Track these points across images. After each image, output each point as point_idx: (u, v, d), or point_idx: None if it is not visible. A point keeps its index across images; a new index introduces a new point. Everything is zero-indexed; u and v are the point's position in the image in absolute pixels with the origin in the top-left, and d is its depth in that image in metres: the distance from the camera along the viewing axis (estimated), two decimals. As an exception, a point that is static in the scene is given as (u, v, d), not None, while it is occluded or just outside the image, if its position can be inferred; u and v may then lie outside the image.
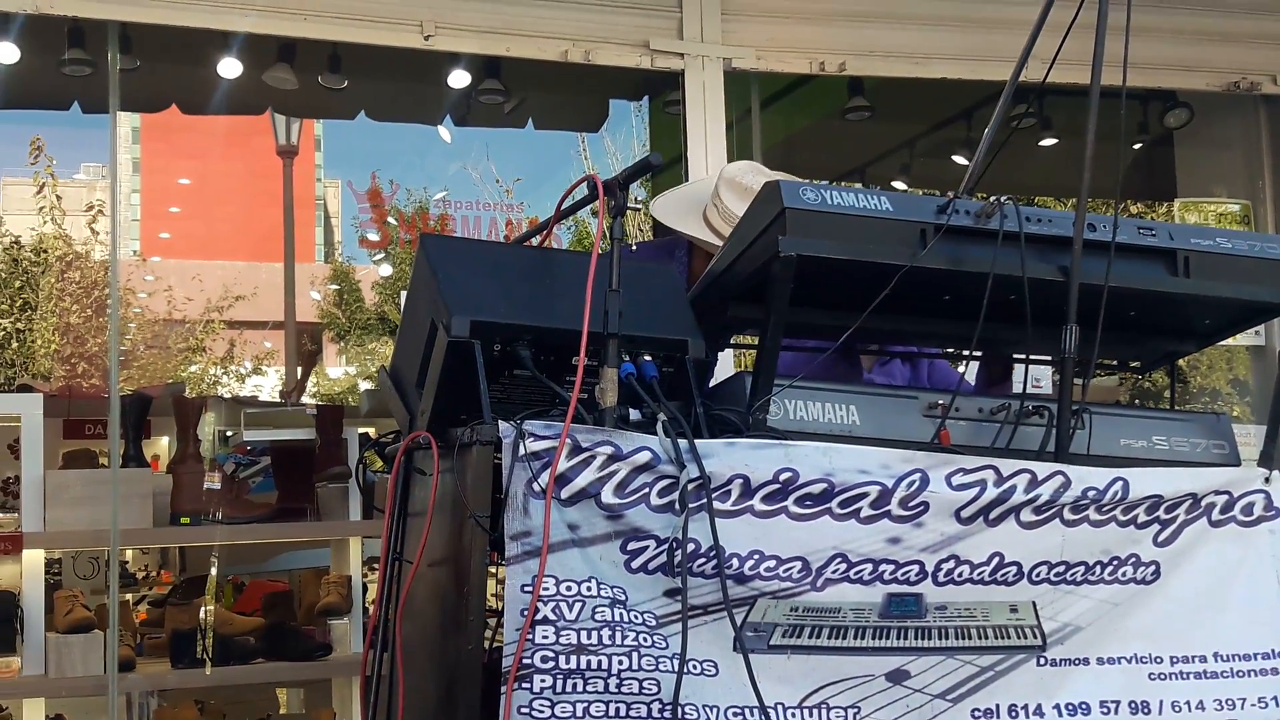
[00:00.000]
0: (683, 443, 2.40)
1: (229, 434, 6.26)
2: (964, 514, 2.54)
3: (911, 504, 2.50)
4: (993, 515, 2.56)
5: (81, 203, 19.28)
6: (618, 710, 2.35)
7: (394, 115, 7.03)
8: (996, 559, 2.58)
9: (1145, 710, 2.70)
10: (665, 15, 5.13)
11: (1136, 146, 7.09)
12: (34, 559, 4.73)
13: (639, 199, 6.26)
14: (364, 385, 19.76)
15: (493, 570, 2.51)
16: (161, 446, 6.39)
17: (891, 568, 2.52)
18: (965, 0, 5.40)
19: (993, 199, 2.63)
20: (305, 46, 5.68)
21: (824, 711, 2.52)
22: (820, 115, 6.88)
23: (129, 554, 6.60)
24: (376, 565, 5.92)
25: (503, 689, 2.31)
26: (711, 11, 5.14)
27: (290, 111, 8.19)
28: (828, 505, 2.46)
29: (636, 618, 2.39)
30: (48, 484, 4.75)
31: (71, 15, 4.83)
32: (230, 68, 5.85)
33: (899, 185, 7.99)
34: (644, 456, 2.40)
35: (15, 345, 16.45)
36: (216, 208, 30.63)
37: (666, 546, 2.39)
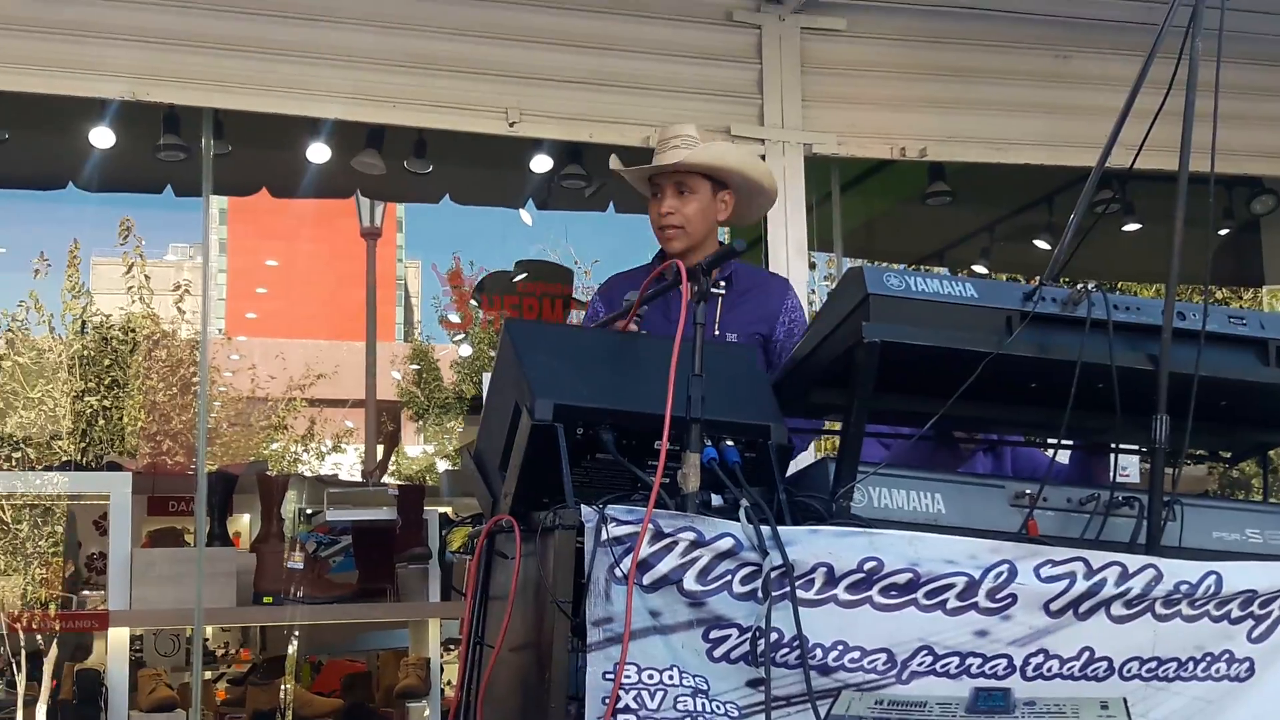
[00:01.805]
0: (765, 529, 2.39)
1: (311, 513, 6.31)
2: (1053, 607, 2.49)
3: (999, 596, 2.46)
4: (1083, 608, 2.51)
5: (169, 282, 19.70)
6: (699, 801, 2.32)
7: (478, 199, 7.12)
8: (1087, 653, 2.53)
9: (1240, 811, 2.62)
10: (746, 101, 5.17)
11: (1223, 233, 7.01)
12: (119, 637, 4.78)
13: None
14: (441, 464, 19.88)
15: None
16: (243, 524, 6.46)
17: (979, 661, 2.47)
18: (1048, 87, 5.40)
19: (1079, 286, 2.61)
20: (392, 132, 5.79)
21: (909, 807, 2.47)
22: (901, 199, 6.89)
23: (209, 630, 6.66)
24: (455, 647, 5.93)
25: (584, 777, 2.29)
26: (792, 98, 5.18)
27: (376, 195, 8.33)
28: (913, 596, 2.43)
29: (719, 708, 2.36)
30: (134, 562, 4.80)
31: (168, 103, 4.96)
32: (319, 153, 5.98)
33: (980, 269, 7.95)
34: (726, 543, 2.38)
35: (102, 423, 16.75)
36: (300, 287, 31.17)
37: (749, 635, 2.36)
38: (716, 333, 3.53)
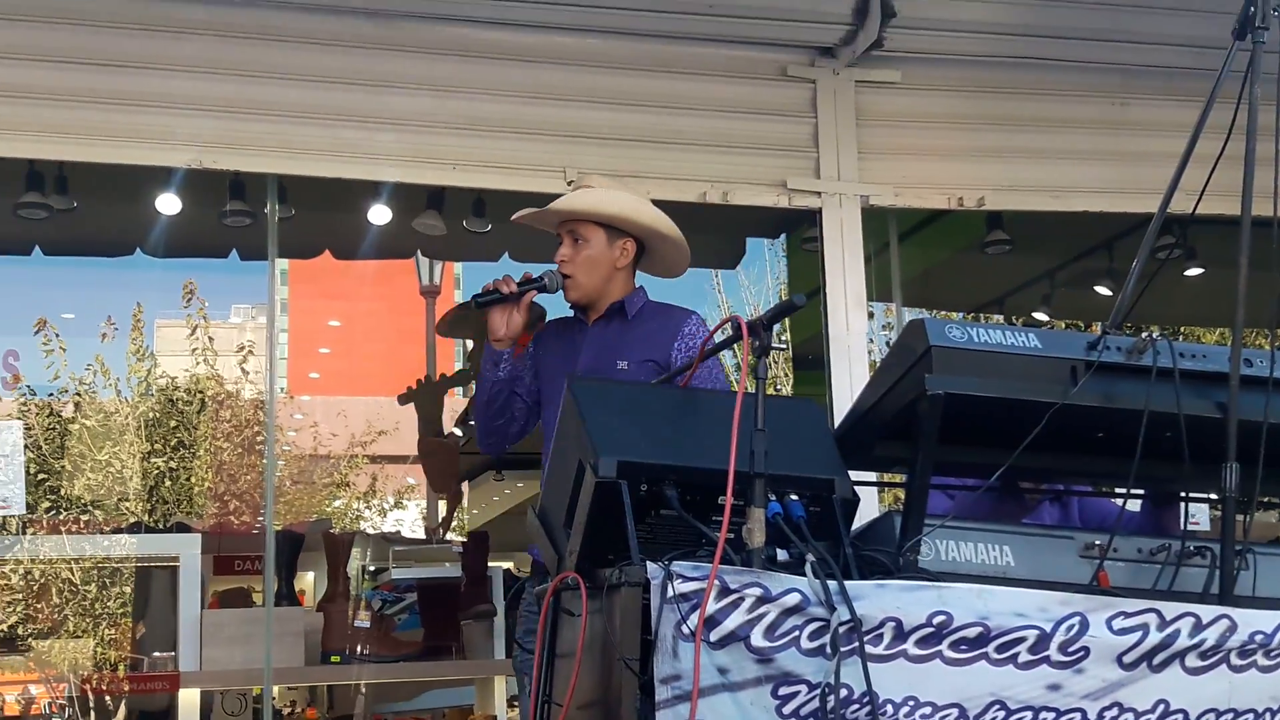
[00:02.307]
0: (832, 584, 2.38)
1: (375, 570, 6.35)
2: (1126, 659, 2.46)
3: (1071, 649, 2.43)
4: (1156, 660, 2.48)
5: (232, 344, 19.91)
6: None
7: (536, 257, 7.16)
8: (1162, 706, 2.50)
9: None
10: (802, 155, 5.19)
11: (1288, 275, 6.92)
12: (190, 699, 4.82)
13: (783, 340, 6.27)
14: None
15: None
16: (307, 582, 6.51)
17: (1052, 716, 2.44)
18: (1106, 134, 5.38)
19: (1144, 334, 2.60)
20: (452, 193, 5.86)
21: None
22: (959, 248, 6.88)
23: (275, 689, 6.69)
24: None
25: (654, 837, 2.28)
26: (848, 151, 5.19)
27: (436, 255, 8.42)
28: (984, 650, 2.41)
29: (789, 765, 2.35)
30: (204, 623, 4.85)
31: (233, 169, 5.06)
32: (380, 215, 6.06)
33: (1040, 317, 7.90)
34: (793, 598, 2.37)
35: (169, 483, 16.92)
36: (361, 346, 31.44)
37: (819, 692, 2.35)
38: (621, 365, 3.62)
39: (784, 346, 7.51)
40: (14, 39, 4.59)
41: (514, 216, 3.88)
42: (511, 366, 3.71)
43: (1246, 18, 2.78)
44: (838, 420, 3.42)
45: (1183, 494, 2.88)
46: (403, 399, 7.70)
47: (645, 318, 3.74)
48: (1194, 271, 6.99)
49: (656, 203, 5.42)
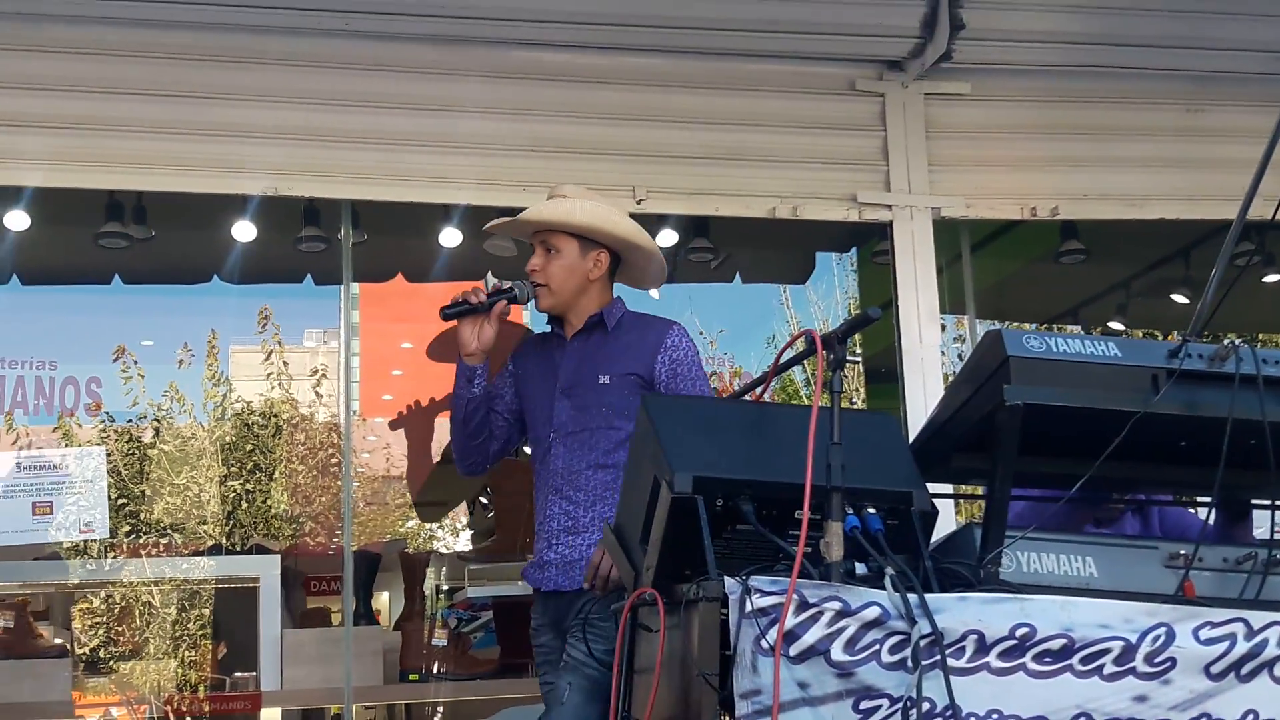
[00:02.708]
0: (913, 597, 2.36)
1: (451, 589, 6.38)
2: (1214, 670, 2.42)
3: (1158, 660, 2.40)
4: (1245, 670, 2.44)
5: (306, 367, 20.10)
6: None
7: (606, 275, 7.19)
8: (1251, 716, 2.45)
9: None
10: (872, 169, 5.18)
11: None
12: (271, 718, 4.87)
13: (856, 353, 6.20)
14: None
15: None
16: (383, 601, 6.56)
17: (1139, 727, 2.41)
18: (1180, 141, 5.32)
19: (1226, 342, 2.56)
20: (522, 213, 5.89)
21: None
22: (1033, 258, 6.81)
23: (354, 708, 6.75)
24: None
25: None
26: (918, 163, 5.18)
27: (506, 276, 8.48)
28: (1068, 662, 2.38)
29: (872, 779, 2.33)
30: (284, 643, 4.90)
31: (307, 196, 5.13)
32: (451, 237, 6.10)
33: (1116, 326, 7.80)
34: (873, 612, 2.36)
35: (246, 506, 17.12)
36: (433, 366, 31.71)
37: (901, 706, 2.33)
38: (603, 379, 3.57)
39: (858, 359, 7.48)
40: (93, 72, 4.70)
41: (487, 226, 3.84)
42: (485, 382, 3.67)
43: (1324, 20, 2.74)
44: (913, 433, 3.41)
45: (1270, 502, 2.83)
46: (394, 424, 7.70)
47: (625, 329, 3.68)
48: (1273, 277, 6.87)
49: (726, 220, 5.49)
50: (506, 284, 3.65)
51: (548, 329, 3.79)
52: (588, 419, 3.55)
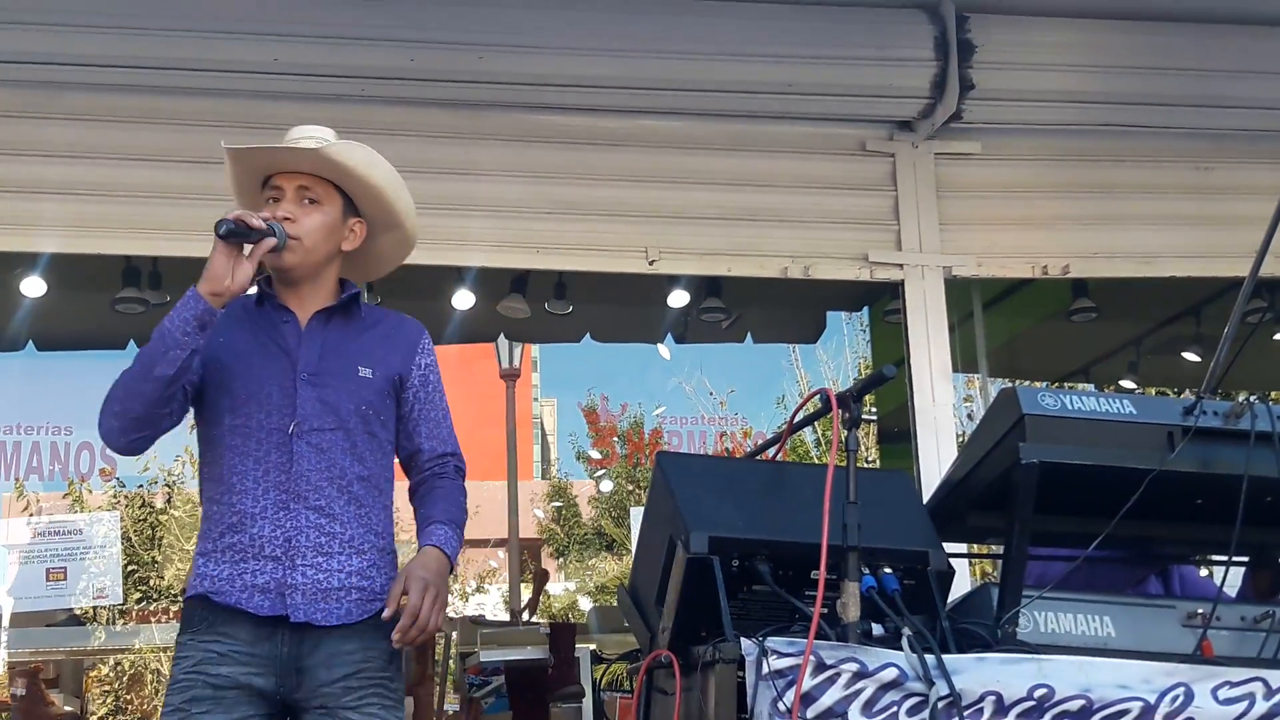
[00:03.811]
0: (930, 658, 2.35)
1: (462, 653, 6.35)
2: (1235, 730, 2.40)
3: (1178, 720, 2.38)
4: (1265, 730, 2.41)
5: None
6: None
7: (617, 336, 7.23)
8: (1272, 777, 2.43)
9: None
10: (883, 228, 5.20)
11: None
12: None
13: (872, 411, 6.18)
14: (584, 601, 19.84)
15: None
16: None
17: (1160, 788, 2.38)
18: (1191, 199, 5.33)
19: (1241, 399, 2.57)
20: (535, 276, 5.93)
21: None
22: (1044, 316, 6.83)
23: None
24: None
25: None
26: (929, 222, 5.19)
27: (518, 337, 8.51)
28: (1088, 722, 2.36)
29: (892, 842, 2.31)
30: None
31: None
32: (464, 299, 6.14)
33: (1127, 384, 7.81)
34: (891, 673, 2.35)
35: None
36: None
37: (920, 767, 2.32)
38: (364, 372, 2.94)
39: (874, 418, 7.47)
40: (109, 139, 4.75)
41: (234, 148, 2.99)
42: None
43: (1332, 80, 2.76)
44: (926, 493, 3.39)
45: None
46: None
47: (375, 320, 3.08)
48: (1284, 335, 6.88)
49: (737, 280, 5.51)
50: (266, 221, 2.85)
51: (252, 294, 2.98)
52: (343, 416, 2.90)
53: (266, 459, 2.88)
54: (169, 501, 16.91)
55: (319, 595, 2.84)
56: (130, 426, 2.87)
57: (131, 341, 6.52)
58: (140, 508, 15.84)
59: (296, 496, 2.86)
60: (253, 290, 2.96)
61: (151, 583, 15.69)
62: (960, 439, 5.37)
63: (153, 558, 15.83)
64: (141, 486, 16.18)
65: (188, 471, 17.96)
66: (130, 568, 14.61)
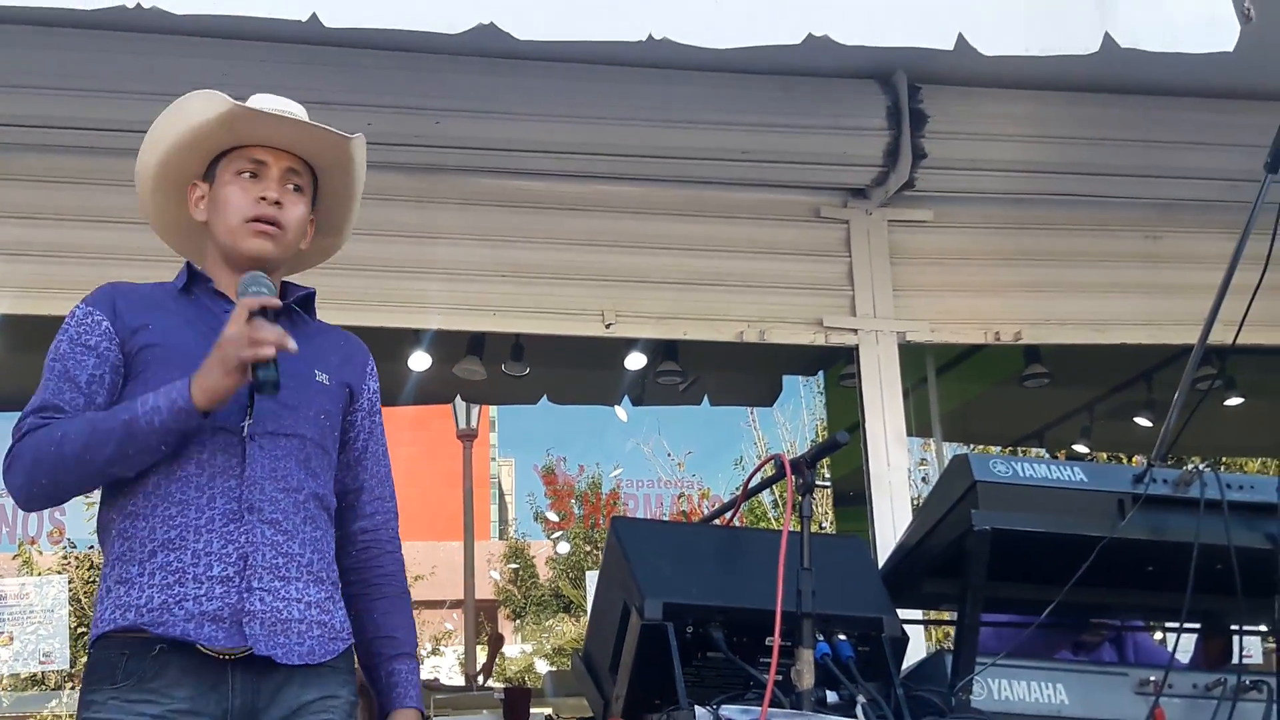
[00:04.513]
0: (885, 725, 2.35)
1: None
2: (1187, 798, 2.41)
3: (1130, 788, 2.39)
4: (1218, 799, 2.42)
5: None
6: None
7: (574, 398, 7.25)
8: (1226, 846, 2.44)
9: None
10: (838, 294, 5.23)
11: (1328, 404, 6.90)
12: None
13: (826, 476, 6.19)
14: (541, 664, 19.70)
15: None
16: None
17: None
18: (1141, 267, 5.40)
19: (1190, 466, 2.60)
20: (492, 338, 5.93)
21: None
22: (997, 381, 6.89)
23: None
24: None
25: None
26: (883, 288, 5.24)
27: (475, 399, 8.51)
28: (1041, 790, 2.37)
29: None
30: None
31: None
32: (421, 361, 6.13)
33: (1080, 449, 7.88)
34: (845, 741, 2.35)
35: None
36: (398, 490, 31.47)
37: (874, 836, 2.31)
38: (321, 378, 2.63)
39: (828, 484, 7.50)
40: (61, 200, 4.70)
41: (243, 104, 2.66)
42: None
43: (1278, 151, 2.82)
44: (882, 557, 3.40)
45: (1235, 628, 2.84)
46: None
47: (321, 329, 2.80)
48: (1234, 401, 6.96)
49: (694, 343, 5.53)
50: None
51: (173, 284, 2.66)
52: (298, 422, 2.54)
53: (212, 463, 2.45)
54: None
55: (278, 626, 2.40)
56: (48, 496, 2.48)
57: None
58: (90, 569, 15.65)
59: (251, 507, 2.44)
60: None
61: (99, 646, 15.45)
62: (915, 502, 5.40)
63: (100, 621, 15.62)
64: (92, 548, 16.02)
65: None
66: (80, 630, 14.42)
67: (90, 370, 2.55)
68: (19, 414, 2.52)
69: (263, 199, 2.60)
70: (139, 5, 3.22)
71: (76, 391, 2.52)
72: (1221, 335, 2.92)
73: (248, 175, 2.63)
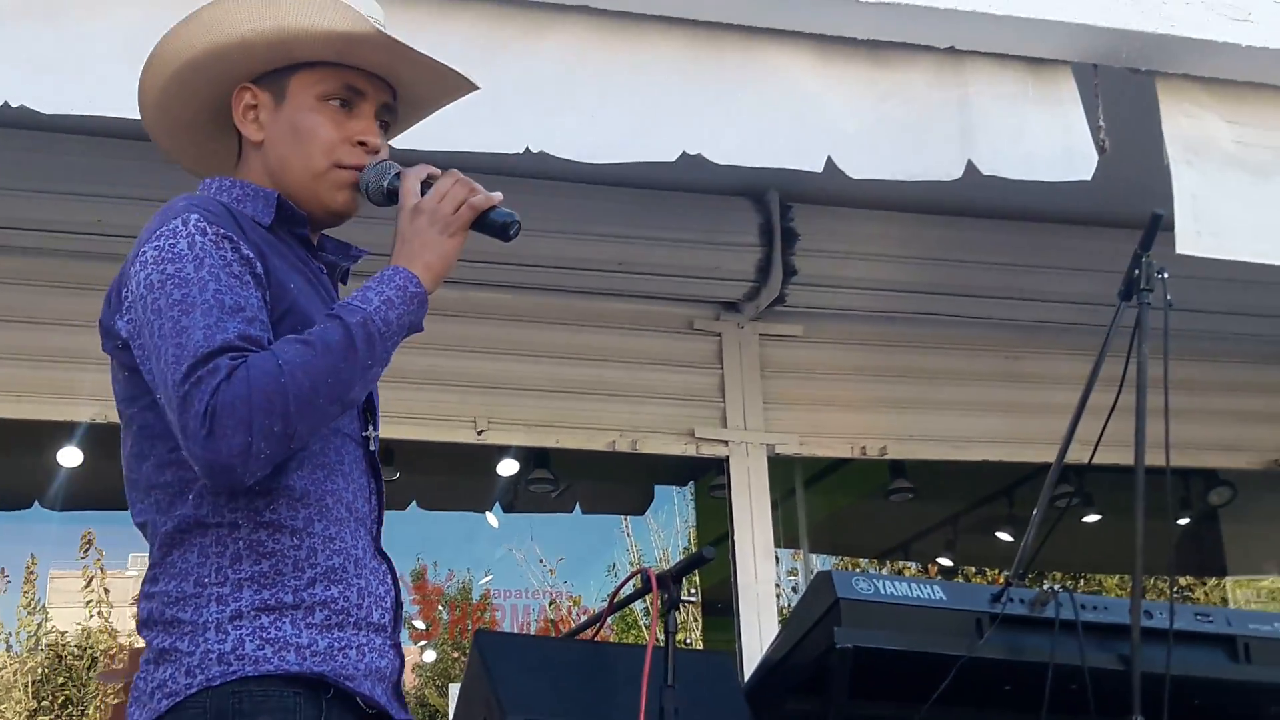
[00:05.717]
0: (746, 847, 2.33)
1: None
2: None
3: None
4: None
5: (128, 594, 19.31)
6: None
7: (444, 505, 7.14)
8: None
9: None
10: (709, 405, 5.27)
11: (1183, 522, 7.07)
12: None
13: (692, 591, 6.19)
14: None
15: None
16: None
17: None
18: (1002, 386, 5.54)
19: (1047, 587, 2.64)
20: (360, 443, 5.84)
21: None
22: (863, 494, 6.96)
23: None
24: None
25: None
26: (754, 401, 5.29)
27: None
28: None
29: None
30: None
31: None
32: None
33: (944, 562, 7.97)
34: None
35: (54, 742, 16.17)
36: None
37: None
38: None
39: (694, 599, 7.47)
40: (21, 302, 4.62)
41: (378, 32, 2.02)
42: None
43: (1132, 281, 2.92)
44: (748, 668, 3.39)
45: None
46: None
47: None
48: (1092, 518, 7.11)
49: (565, 451, 5.51)
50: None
51: (262, 223, 2.00)
52: (376, 414, 2.13)
53: (352, 476, 1.96)
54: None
55: (399, 687, 1.95)
56: (275, 453, 1.78)
57: (36, 503, 6.26)
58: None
59: (370, 533, 1.98)
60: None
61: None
62: (784, 613, 5.40)
63: None
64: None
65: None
66: None
67: (260, 301, 1.87)
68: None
69: (362, 144, 2.04)
70: (6, 104, 3.16)
71: (255, 323, 1.83)
72: (1079, 454, 2.99)
73: (337, 104, 2.05)
